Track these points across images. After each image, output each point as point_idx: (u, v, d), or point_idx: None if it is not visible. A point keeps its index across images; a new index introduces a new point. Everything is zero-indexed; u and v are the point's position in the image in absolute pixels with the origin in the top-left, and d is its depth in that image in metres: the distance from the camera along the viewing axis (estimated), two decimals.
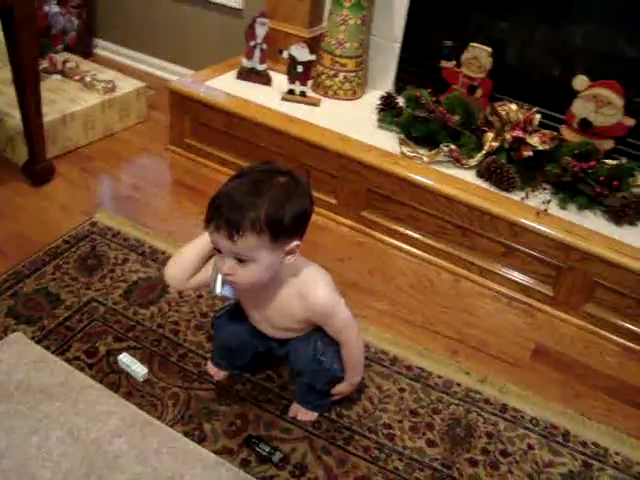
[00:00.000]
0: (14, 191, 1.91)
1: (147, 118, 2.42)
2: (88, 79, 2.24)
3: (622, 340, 1.68)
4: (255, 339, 1.28)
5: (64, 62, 2.32)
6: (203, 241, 1.14)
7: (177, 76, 2.72)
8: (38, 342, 1.40)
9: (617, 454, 1.36)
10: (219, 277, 1.11)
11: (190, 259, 1.16)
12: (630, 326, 1.67)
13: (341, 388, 1.29)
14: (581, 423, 1.42)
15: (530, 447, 1.34)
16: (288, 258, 1.08)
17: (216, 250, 1.06)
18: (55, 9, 2.54)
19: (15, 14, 1.64)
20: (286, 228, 1.02)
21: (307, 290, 1.14)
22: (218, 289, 1.12)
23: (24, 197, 1.90)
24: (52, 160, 2.01)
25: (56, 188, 1.97)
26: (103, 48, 2.92)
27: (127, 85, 2.32)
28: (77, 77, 2.27)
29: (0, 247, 1.68)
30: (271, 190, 1.01)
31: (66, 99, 2.16)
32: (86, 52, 2.79)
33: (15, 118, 1.96)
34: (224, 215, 0.99)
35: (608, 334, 1.69)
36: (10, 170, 2.00)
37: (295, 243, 1.06)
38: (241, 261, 1.03)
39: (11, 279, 1.56)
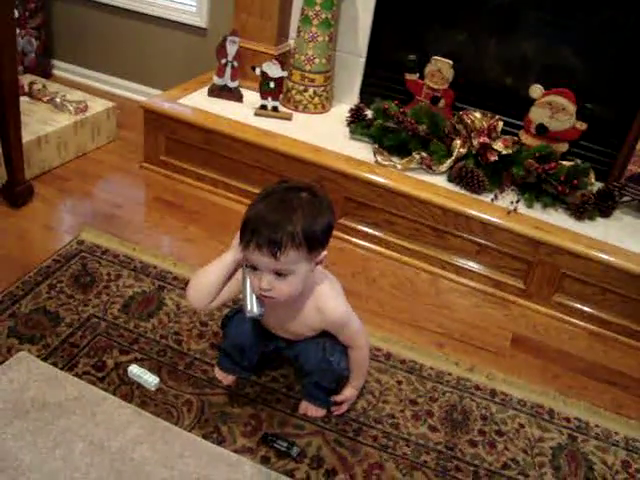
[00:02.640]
0: None
1: (116, 137, 2.44)
2: (58, 100, 2.24)
3: (589, 325, 1.84)
4: (265, 338, 1.35)
5: (31, 84, 2.32)
6: (223, 263, 1.18)
7: (139, 95, 2.76)
8: (44, 360, 1.41)
9: (597, 426, 1.50)
10: (254, 298, 1.15)
11: (212, 282, 1.19)
12: (595, 312, 1.83)
13: (346, 392, 1.38)
14: (562, 401, 1.55)
15: (521, 426, 1.46)
16: (318, 268, 1.16)
17: (250, 268, 1.12)
18: None
19: None
20: (319, 240, 1.11)
21: (324, 304, 1.22)
22: (256, 310, 1.16)
23: (5, 219, 1.89)
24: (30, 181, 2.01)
25: (36, 209, 1.97)
26: (62, 69, 2.91)
27: (97, 105, 2.34)
28: (46, 98, 2.27)
29: None
30: (301, 206, 1.09)
31: (37, 121, 2.16)
32: (45, 73, 2.78)
33: None
34: (264, 235, 1.05)
35: (577, 321, 1.85)
36: None
37: (324, 253, 1.15)
38: (280, 275, 1.10)
39: (6, 300, 1.57)
